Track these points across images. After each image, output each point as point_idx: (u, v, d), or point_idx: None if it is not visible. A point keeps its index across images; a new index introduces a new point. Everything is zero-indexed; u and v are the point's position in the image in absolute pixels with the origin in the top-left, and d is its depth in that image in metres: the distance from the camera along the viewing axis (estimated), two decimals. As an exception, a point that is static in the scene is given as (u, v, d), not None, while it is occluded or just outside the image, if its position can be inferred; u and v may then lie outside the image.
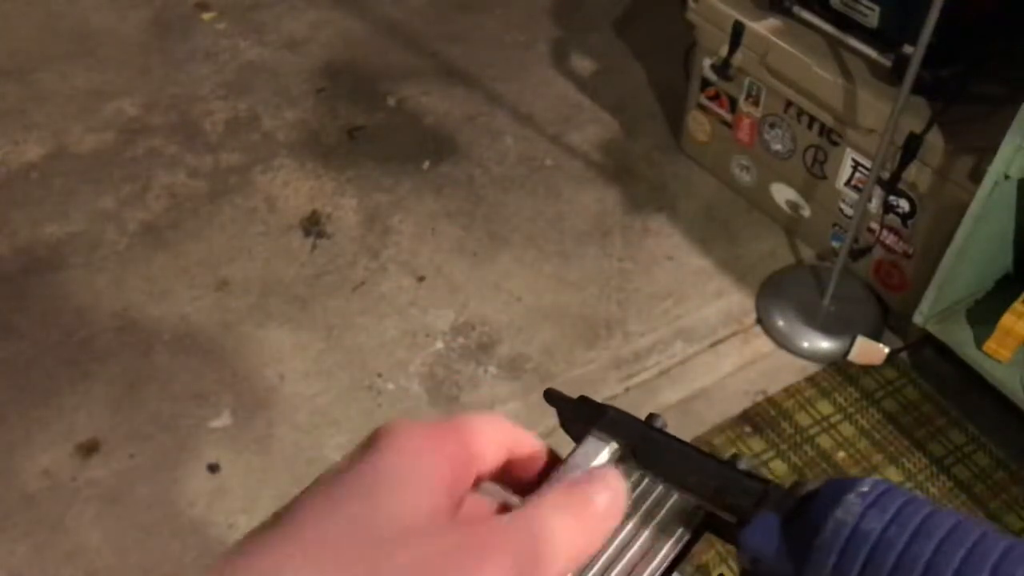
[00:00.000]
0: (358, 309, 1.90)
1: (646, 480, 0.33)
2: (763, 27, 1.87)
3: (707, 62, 2.04)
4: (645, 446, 0.34)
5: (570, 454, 0.34)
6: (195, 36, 2.58)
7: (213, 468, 1.62)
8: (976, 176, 1.55)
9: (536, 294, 1.94)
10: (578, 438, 0.35)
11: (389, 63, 2.52)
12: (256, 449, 1.65)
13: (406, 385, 1.76)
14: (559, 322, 1.88)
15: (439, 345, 1.84)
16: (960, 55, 1.64)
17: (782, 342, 1.85)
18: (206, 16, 2.64)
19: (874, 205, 1.80)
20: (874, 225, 1.84)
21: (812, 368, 1.82)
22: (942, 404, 1.75)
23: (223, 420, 1.69)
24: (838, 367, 1.81)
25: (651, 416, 0.36)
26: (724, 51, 1.94)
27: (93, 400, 1.71)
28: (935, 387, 1.78)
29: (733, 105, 2.05)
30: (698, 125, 2.18)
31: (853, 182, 1.87)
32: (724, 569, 1.47)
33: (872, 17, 1.73)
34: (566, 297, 1.94)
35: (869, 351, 1.80)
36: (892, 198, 1.77)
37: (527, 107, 2.39)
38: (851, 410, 1.74)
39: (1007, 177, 1.46)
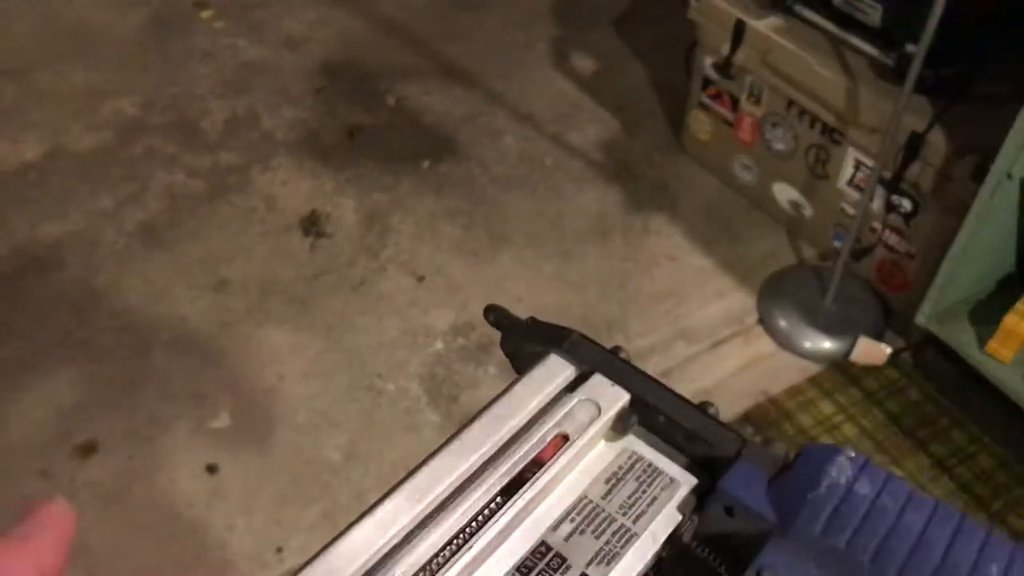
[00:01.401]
0: (358, 309, 1.89)
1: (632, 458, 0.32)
2: (765, 26, 1.86)
3: (708, 61, 2.03)
4: (612, 370, 0.34)
5: (525, 373, 0.33)
6: (194, 35, 2.57)
7: (212, 469, 1.61)
8: (979, 176, 1.54)
9: (536, 294, 1.93)
10: (530, 360, 0.34)
11: (389, 62, 2.51)
12: (255, 450, 1.64)
13: (406, 385, 1.76)
14: (559, 322, 1.87)
15: (439, 345, 1.83)
16: (962, 54, 1.64)
17: (784, 342, 1.85)
18: (204, 15, 2.64)
19: (876, 205, 1.80)
20: (876, 225, 1.83)
21: (814, 368, 1.81)
22: (944, 405, 1.75)
23: (222, 421, 1.68)
24: (840, 367, 1.80)
25: (616, 347, 0.35)
26: (725, 50, 1.94)
27: (91, 400, 1.70)
28: (937, 388, 1.77)
29: (734, 104, 2.04)
30: (699, 124, 2.17)
31: (855, 181, 1.86)
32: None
33: (874, 15, 1.73)
34: (567, 297, 1.93)
35: (871, 351, 1.79)
36: (894, 197, 1.76)
37: (527, 106, 2.39)
38: (853, 411, 1.74)
39: (1010, 177, 1.46)
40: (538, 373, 0.34)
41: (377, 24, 2.64)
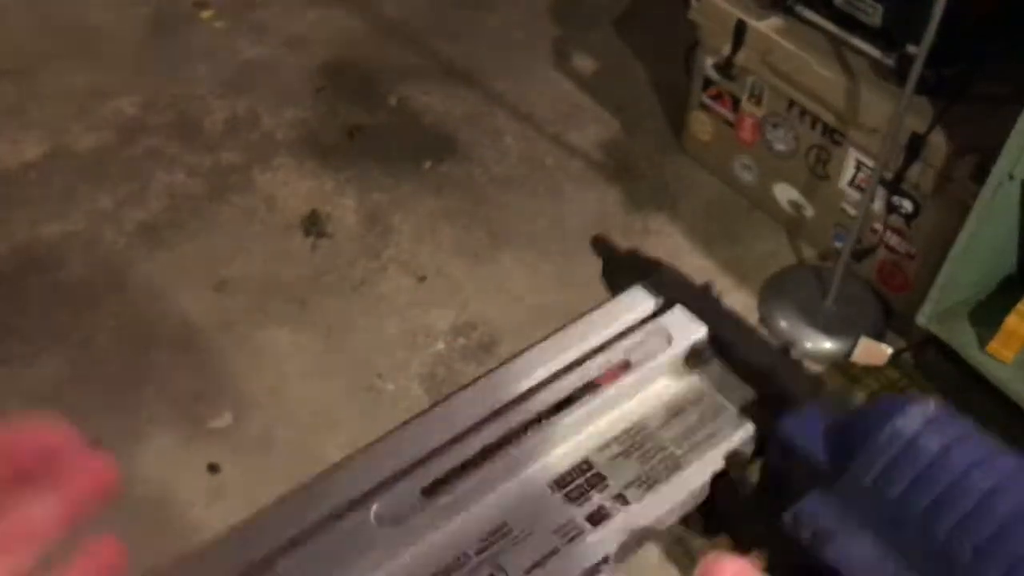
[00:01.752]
0: (358, 309, 1.89)
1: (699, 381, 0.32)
2: (765, 26, 1.86)
3: (709, 61, 2.03)
4: (694, 304, 0.33)
5: (613, 300, 0.34)
6: (194, 35, 2.57)
7: (213, 468, 1.61)
8: (980, 176, 1.54)
9: (537, 294, 1.93)
10: (621, 287, 0.35)
11: (389, 62, 2.51)
12: (256, 450, 1.64)
13: (406, 385, 1.76)
14: (560, 322, 1.87)
15: (440, 345, 1.83)
16: (963, 54, 1.64)
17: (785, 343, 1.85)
18: (205, 15, 2.64)
19: (877, 205, 1.80)
20: (877, 225, 1.83)
21: (815, 369, 1.81)
22: (945, 405, 1.75)
23: (223, 420, 1.68)
24: (841, 368, 1.80)
25: (707, 283, 0.35)
26: (726, 50, 1.94)
27: (92, 400, 1.70)
28: (938, 388, 1.77)
29: (735, 104, 2.04)
30: (700, 124, 2.17)
31: (856, 182, 1.86)
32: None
33: (875, 16, 1.72)
34: (567, 297, 1.93)
35: (872, 352, 1.79)
36: (895, 198, 1.76)
37: (528, 106, 2.38)
38: (854, 411, 1.73)
39: (1011, 177, 1.45)
40: (618, 302, 0.36)
41: (377, 24, 2.64)
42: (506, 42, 2.61)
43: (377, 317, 1.88)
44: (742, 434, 0.31)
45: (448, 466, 0.34)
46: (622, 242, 2.09)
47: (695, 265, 2.01)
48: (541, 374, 0.35)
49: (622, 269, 0.36)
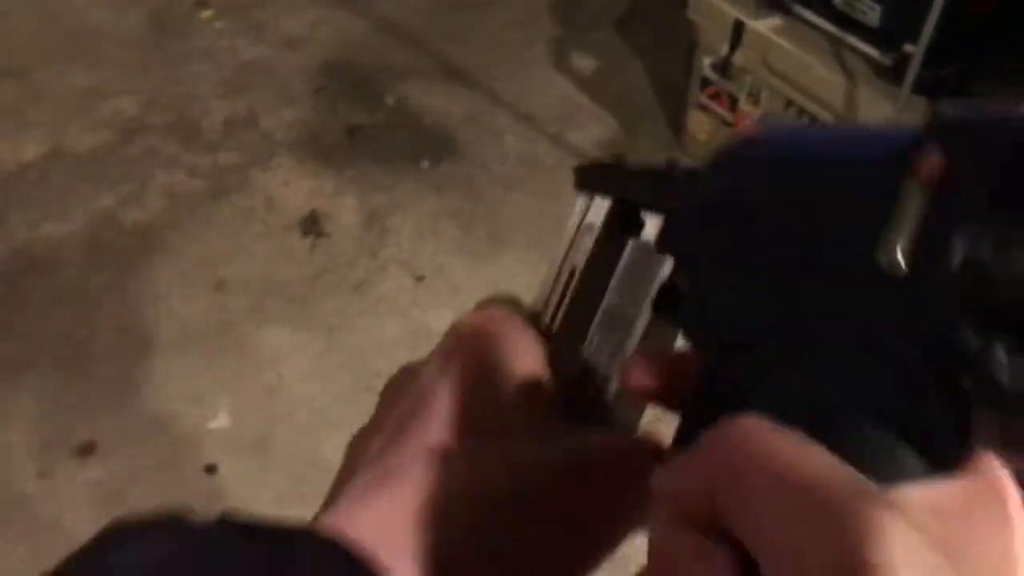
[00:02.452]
0: (357, 309, 1.89)
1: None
2: (764, 26, 1.86)
3: (708, 61, 2.03)
4: (605, 188, 0.34)
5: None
6: (193, 35, 2.57)
7: (211, 469, 1.61)
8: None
9: (536, 294, 1.93)
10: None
11: (389, 62, 2.51)
12: (254, 451, 1.64)
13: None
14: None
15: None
16: (962, 54, 1.63)
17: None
18: (204, 14, 2.64)
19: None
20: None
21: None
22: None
23: (221, 421, 1.68)
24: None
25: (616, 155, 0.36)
26: (725, 50, 1.94)
27: (90, 401, 1.70)
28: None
29: (734, 104, 2.04)
30: (699, 124, 2.17)
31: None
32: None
33: (873, 16, 1.72)
34: (566, 297, 1.93)
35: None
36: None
37: (527, 106, 2.38)
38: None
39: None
40: (569, 220, 0.36)
41: (377, 24, 2.64)
42: (506, 42, 2.61)
43: (376, 317, 1.88)
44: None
45: None
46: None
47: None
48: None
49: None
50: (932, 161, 0.18)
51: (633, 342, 0.31)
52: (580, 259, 0.34)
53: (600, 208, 0.34)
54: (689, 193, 0.27)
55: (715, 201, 0.25)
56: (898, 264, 0.18)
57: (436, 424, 0.30)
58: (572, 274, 0.34)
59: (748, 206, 0.24)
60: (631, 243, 0.32)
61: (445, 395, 0.31)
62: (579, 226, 0.35)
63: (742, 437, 0.19)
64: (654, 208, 0.30)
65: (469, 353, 0.33)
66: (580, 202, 0.35)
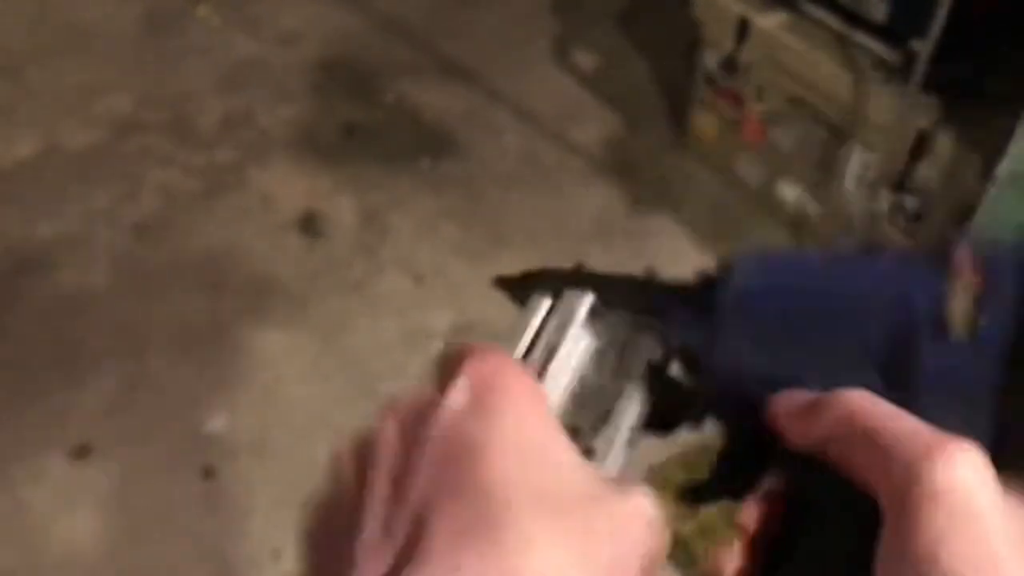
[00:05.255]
0: (356, 310, 1.87)
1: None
2: (769, 22, 1.84)
3: (712, 58, 2.01)
4: (577, 283, 0.37)
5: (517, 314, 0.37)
6: (189, 31, 2.55)
7: (208, 472, 1.59)
8: (986, 174, 1.52)
9: (537, 294, 1.91)
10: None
11: (387, 58, 2.49)
12: (251, 453, 1.62)
13: (405, 387, 1.73)
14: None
15: (439, 346, 1.81)
16: (970, 51, 1.62)
17: (788, 343, 1.83)
18: (200, 11, 2.61)
19: (882, 204, 1.78)
20: (882, 224, 1.81)
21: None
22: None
23: (218, 423, 1.66)
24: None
25: (578, 264, 0.39)
26: (730, 47, 1.92)
27: (86, 403, 1.68)
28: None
29: (739, 102, 2.02)
30: (703, 122, 2.15)
31: (861, 180, 1.84)
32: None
33: (880, 12, 1.71)
34: (568, 297, 1.91)
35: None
36: (901, 197, 1.75)
37: (528, 103, 2.36)
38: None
39: (1018, 175, 1.44)
40: (522, 314, 0.37)
41: (375, 19, 2.61)
42: (506, 38, 2.58)
43: (375, 318, 1.86)
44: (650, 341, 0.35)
45: None
46: (623, 243, 2.07)
47: (697, 264, 1.99)
48: None
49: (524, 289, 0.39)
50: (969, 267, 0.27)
51: (624, 418, 0.33)
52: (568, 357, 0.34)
53: (571, 305, 0.36)
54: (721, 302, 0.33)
55: (754, 311, 0.32)
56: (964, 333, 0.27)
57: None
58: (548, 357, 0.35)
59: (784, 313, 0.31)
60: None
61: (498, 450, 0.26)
62: (545, 326, 0.36)
63: (855, 401, 0.27)
64: (664, 317, 0.35)
65: (497, 403, 0.27)
66: (537, 302, 0.37)
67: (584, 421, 0.32)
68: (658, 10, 2.63)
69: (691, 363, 0.33)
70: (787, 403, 0.29)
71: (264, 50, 2.50)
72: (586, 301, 0.36)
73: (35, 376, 1.72)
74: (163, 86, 2.36)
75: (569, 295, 0.37)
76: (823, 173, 1.92)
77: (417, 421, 0.28)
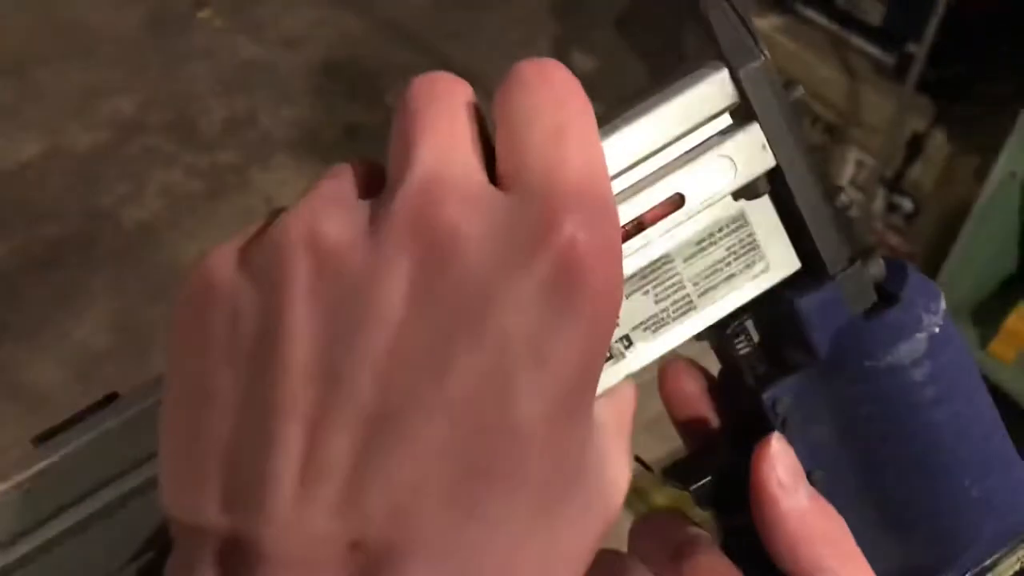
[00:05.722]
0: (357, 309, 1.88)
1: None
2: (765, 24, 1.85)
3: (709, 60, 2.02)
4: (773, 126, 0.26)
5: (687, 85, 0.26)
6: (192, 33, 2.56)
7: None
8: (981, 175, 1.53)
9: (536, 294, 1.92)
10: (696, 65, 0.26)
11: (388, 60, 2.50)
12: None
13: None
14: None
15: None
16: (965, 53, 1.63)
17: (784, 343, 1.84)
18: (203, 13, 2.63)
19: (877, 205, 1.79)
20: (877, 225, 1.83)
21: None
22: (946, 406, 1.74)
23: (220, 422, 1.67)
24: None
25: (790, 84, 0.28)
26: (726, 49, 1.93)
27: (89, 403, 1.69)
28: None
29: (735, 103, 2.03)
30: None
31: (856, 181, 1.85)
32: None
33: (875, 14, 1.72)
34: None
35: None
36: (895, 198, 1.76)
37: (527, 105, 2.37)
38: (854, 412, 1.73)
39: (1013, 177, 1.45)
40: (694, 92, 0.26)
41: (376, 22, 2.63)
42: (506, 40, 2.60)
43: (375, 317, 1.87)
44: (761, 285, 0.27)
45: None
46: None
47: (695, 265, 2.00)
48: None
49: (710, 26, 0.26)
50: None
51: None
52: None
53: None
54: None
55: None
56: None
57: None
58: None
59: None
60: None
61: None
62: None
63: None
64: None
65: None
66: None
67: (631, 311, 0.29)
68: (658, 13, 2.65)
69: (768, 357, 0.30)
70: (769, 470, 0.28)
71: (267, 52, 2.51)
72: (762, 168, 0.29)
73: (38, 376, 1.73)
74: (166, 88, 2.38)
75: (754, 138, 0.28)
76: (819, 174, 1.93)
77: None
